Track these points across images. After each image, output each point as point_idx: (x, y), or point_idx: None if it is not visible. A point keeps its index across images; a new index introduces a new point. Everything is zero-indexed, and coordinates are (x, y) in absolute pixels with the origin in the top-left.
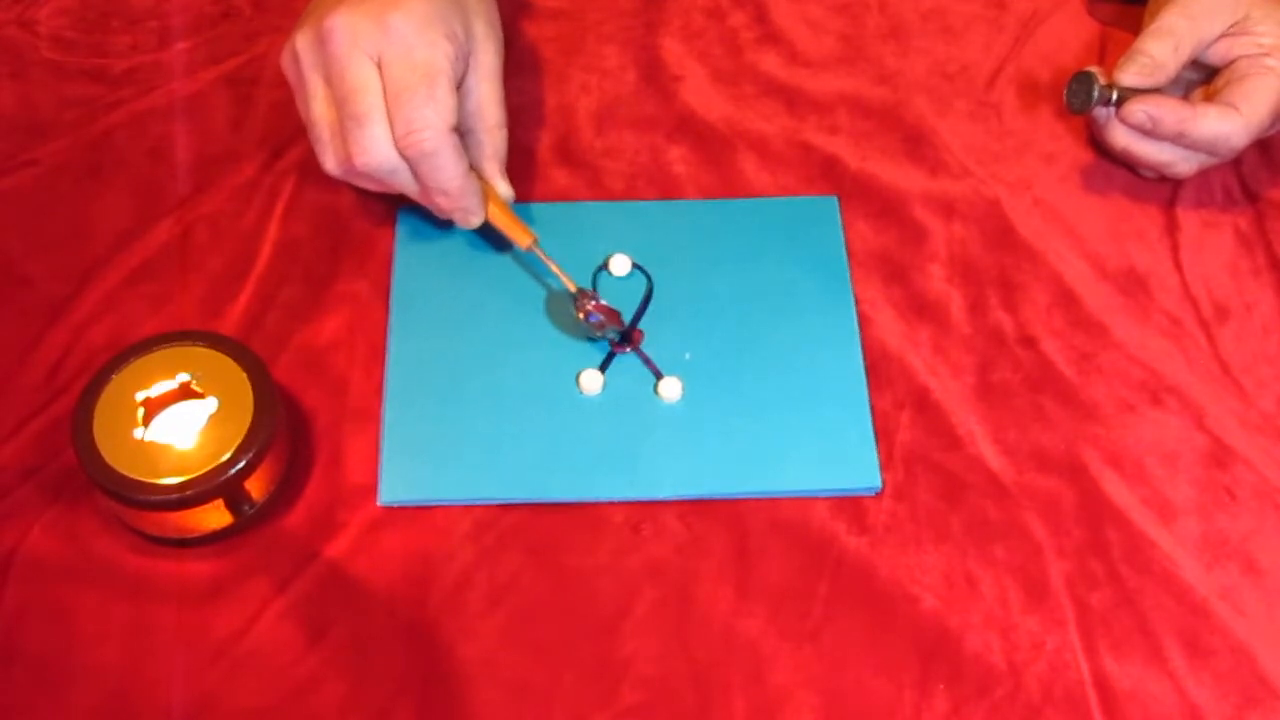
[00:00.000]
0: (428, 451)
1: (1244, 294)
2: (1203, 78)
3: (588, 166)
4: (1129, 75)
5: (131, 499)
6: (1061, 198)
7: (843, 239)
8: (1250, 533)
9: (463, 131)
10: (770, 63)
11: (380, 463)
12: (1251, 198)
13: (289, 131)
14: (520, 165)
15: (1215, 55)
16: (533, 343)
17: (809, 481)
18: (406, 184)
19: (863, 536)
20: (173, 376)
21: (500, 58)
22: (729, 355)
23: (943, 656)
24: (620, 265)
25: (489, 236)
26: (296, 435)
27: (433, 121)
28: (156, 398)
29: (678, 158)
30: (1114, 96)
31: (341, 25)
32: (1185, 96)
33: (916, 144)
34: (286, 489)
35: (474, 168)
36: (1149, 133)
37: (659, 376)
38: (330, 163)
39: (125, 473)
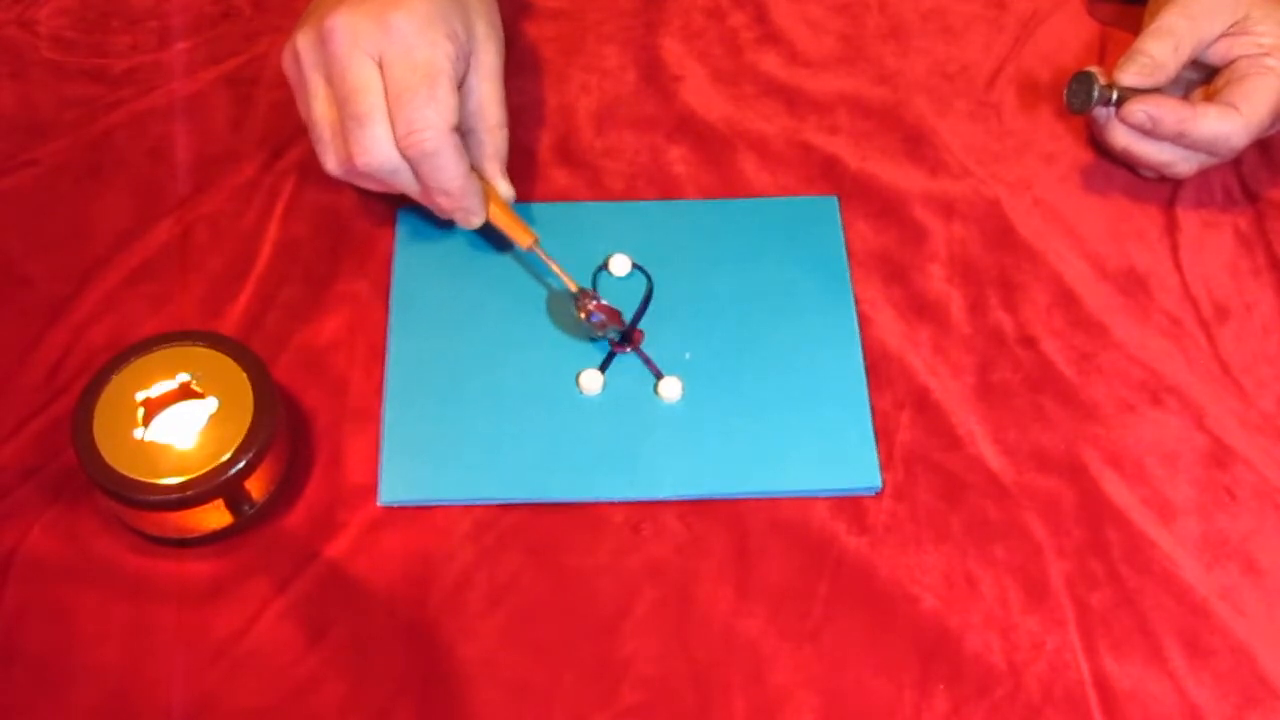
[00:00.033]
0: (428, 451)
1: (1244, 294)
2: (1203, 78)
3: (588, 166)
4: (1129, 75)
5: (131, 499)
6: (1061, 198)
7: (843, 239)
8: (1250, 533)
9: (464, 131)
10: (770, 63)
11: (380, 463)
12: (1251, 198)
13: (289, 131)
14: (520, 165)
15: (1215, 55)
16: (533, 343)
17: (809, 481)
18: (407, 184)
19: (863, 536)
20: (173, 376)
21: (501, 57)
22: (729, 355)
23: (943, 656)
24: (620, 265)
25: (489, 236)
26: (296, 435)
27: (434, 121)
28: (156, 398)
29: (678, 158)
30: (1114, 96)
31: (343, 25)
32: (1185, 96)
33: (916, 144)
34: (286, 489)
35: (475, 168)
36: (1149, 133)
37: (659, 376)
38: (331, 162)
39: (125, 473)
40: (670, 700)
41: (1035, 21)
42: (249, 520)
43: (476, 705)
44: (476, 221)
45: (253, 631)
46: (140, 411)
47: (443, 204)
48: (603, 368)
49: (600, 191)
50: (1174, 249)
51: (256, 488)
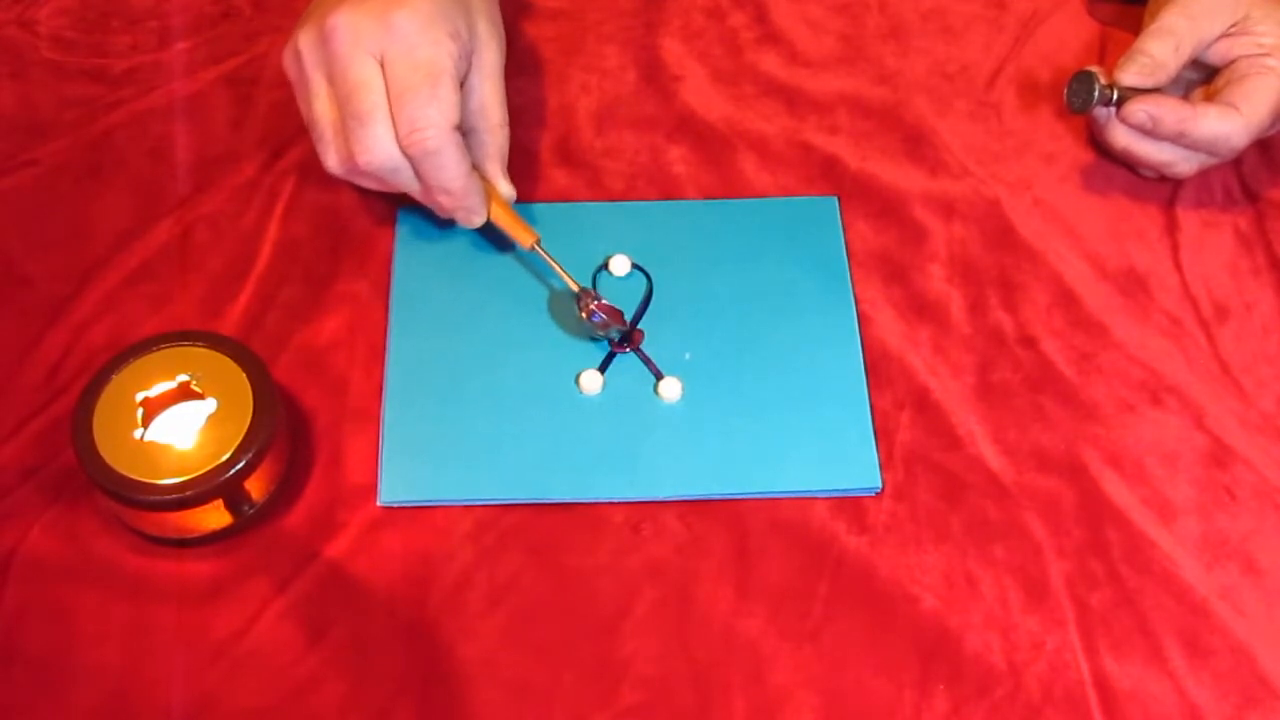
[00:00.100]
0: (428, 451)
1: (1244, 294)
2: (1203, 78)
3: (588, 166)
4: (1129, 75)
5: (131, 499)
6: (1061, 198)
7: (843, 239)
8: (1250, 533)
9: (465, 131)
10: (770, 63)
11: (380, 463)
12: (1251, 198)
13: (289, 131)
14: (520, 165)
15: (1215, 55)
16: (533, 343)
17: (809, 481)
18: (409, 183)
19: (863, 536)
20: (172, 377)
21: (503, 57)
22: (729, 355)
23: (943, 656)
24: (620, 265)
25: (490, 236)
26: (296, 435)
27: (436, 120)
28: (156, 398)
29: (678, 158)
30: (1114, 96)
31: (344, 24)
32: (1185, 96)
33: (916, 144)
34: (286, 489)
35: (476, 167)
36: (1149, 132)
37: (659, 376)
38: (332, 161)
39: (125, 473)
40: (670, 700)
41: (1035, 21)
42: (249, 520)
43: (476, 705)
44: (478, 221)
45: (252, 631)
46: (140, 412)
47: (444, 203)
48: (603, 368)
49: (600, 192)
50: (1174, 249)
51: (256, 488)
